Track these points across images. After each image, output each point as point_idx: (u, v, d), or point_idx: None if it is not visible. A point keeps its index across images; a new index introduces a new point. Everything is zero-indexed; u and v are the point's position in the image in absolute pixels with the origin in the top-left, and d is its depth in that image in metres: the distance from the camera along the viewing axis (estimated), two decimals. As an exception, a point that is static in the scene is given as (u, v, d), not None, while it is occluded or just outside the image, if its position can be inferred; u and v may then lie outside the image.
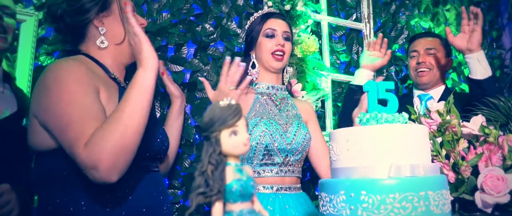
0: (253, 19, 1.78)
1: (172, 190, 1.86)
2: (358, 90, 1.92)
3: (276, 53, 1.69)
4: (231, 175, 0.75)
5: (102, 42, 1.32)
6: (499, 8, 3.33)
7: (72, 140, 1.09)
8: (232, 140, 0.75)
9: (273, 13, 1.79)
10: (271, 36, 1.71)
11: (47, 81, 1.18)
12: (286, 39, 1.73)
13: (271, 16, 1.75)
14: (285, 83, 1.82)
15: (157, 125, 1.42)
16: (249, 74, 1.71)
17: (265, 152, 1.57)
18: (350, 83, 2.13)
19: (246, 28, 1.82)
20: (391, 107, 0.96)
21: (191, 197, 0.73)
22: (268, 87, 1.74)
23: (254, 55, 1.75)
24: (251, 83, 1.73)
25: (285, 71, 1.82)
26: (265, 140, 1.57)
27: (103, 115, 1.15)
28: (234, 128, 0.75)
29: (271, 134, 1.59)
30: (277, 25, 1.73)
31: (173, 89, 1.75)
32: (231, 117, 0.74)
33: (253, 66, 1.74)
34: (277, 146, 1.59)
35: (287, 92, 1.80)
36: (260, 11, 1.82)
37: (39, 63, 1.66)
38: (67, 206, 1.16)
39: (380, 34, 2.13)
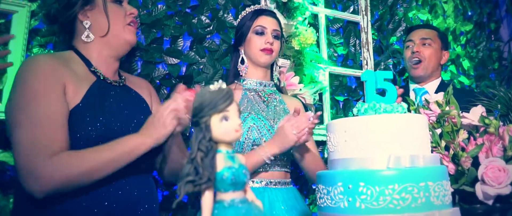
0: (244, 14, 1.76)
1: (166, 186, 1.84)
2: None
3: (264, 50, 1.68)
4: (222, 162, 0.72)
5: (87, 37, 1.33)
6: (497, 1, 3.32)
7: (27, 144, 1.08)
8: (223, 126, 0.72)
9: (264, 10, 1.77)
10: (261, 33, 1.69)
11: (15, 77, 1.19)
12: (276, 37, 1.72)
13: (262, 13, 1.73)
14: (274, 80, 1.80)
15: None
16: (238, 68, 1.73)
17: (253, 147, 1.56)
18: None
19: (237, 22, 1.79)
20: (389, 97, 0.94)
21: (179, 185, 0.70)
22: (256, 83, 1.72)
23: (243, 51, 1.73)
24: (239, 79, 1.73)
25: (274, 68, 1.81)
26: (253, 135, 1.57)
27: (59, 116, 1.14)
28: (225, 113, 0.72)
29: (259, 129, 1.59)
30: (267, 23, 1.71)
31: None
32: (222, 101, 0.71)
33: (242, 62, 1.72)
34: (264, 141, 1.57)
35: (275, 88, 1.78)
36: (252, 7, 1.79)
37: (32, 54, 1.63)
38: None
39: None
